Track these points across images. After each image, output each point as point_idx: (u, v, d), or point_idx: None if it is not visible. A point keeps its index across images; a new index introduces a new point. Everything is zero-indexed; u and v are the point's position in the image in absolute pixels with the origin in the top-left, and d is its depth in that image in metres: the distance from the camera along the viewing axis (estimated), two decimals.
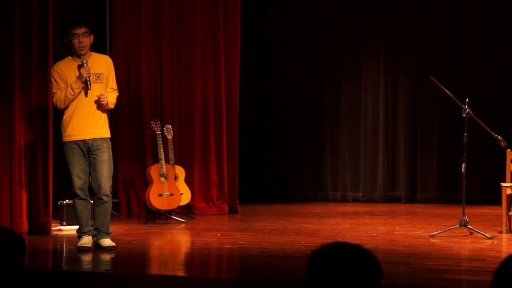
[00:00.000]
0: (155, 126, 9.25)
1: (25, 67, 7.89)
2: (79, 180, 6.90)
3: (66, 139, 6.92)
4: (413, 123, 11.47)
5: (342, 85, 11.85)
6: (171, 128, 9.43)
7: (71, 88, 6.83)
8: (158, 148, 9.16)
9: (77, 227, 7.08)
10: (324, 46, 11.90)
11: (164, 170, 9.13)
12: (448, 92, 7.83)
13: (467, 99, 7.72)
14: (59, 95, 6.88)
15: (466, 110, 7.62)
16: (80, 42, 6.83)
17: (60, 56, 9.77)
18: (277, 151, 12.13)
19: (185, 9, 10.09)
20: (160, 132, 9.20)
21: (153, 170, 9.15)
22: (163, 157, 9.13)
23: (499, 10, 11.08)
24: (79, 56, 6.90)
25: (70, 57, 6.98)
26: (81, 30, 6.84)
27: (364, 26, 11.69)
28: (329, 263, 2.44)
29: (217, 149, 10.12)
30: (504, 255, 2.57)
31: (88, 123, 6.90)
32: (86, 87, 6.86)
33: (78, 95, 6.88)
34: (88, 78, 6.84)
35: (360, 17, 11.71)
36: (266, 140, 12.21)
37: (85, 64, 6.85)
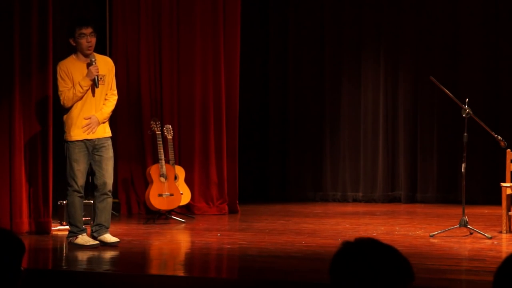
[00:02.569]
0: (155, 126, 9.25)
1: (25, 67, 7.89)
2: (82, 177, 6.99)
3: (73, 138, 6.98)
4: (413, 123, 11.47)
5: (342, 85, 11.84)
6: (171, 128, 9.43)
7: (80, 85, 6.91)
8: (158, 148, 9.16)
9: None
10: (324, 46, 11.90)
11: (164, 170, 9.13)
12: (448, 92, 7.83)
13: (467, 99, 7.72)
14: (67, 93, 6.93)
15: (466, 110, 7.62)
16: (88, 42, 6.95)
17: (60, 56, 9.77)
18: (277, 151, 12.13)
19: (185, 9, 10.09)
20: (160, 132, 9.20)
21: (153, 170, 9.15)
22: (163, 157, 9.13)
23: (499, 10, 11.08)
24: (84, 55, 7.00)
25: (74, 56, 7.04)
26: (88, 30, 6.95)
27: (364, 26, 11.68)
28: (357, 260, 2.37)
29: (217, 149, 10.12)
30: (504, 255, 2.57)
31: None
32: (94, 85, 6.98)
33: (86, 93, 6.94)
34: (97, 77, 6.96)
35: (360, 17, 11.71)
36: (266, 140, 12.21)
37: (94, 63, 6.95)
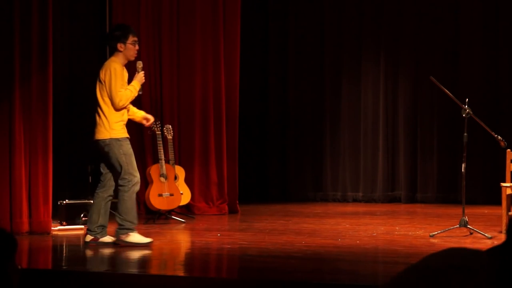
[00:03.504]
0: (155, 126, 9.25)
1: (25, 67, 7.89)
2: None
3: (124, 135, 7.16)
4: (413, 123, 11.47)
5: (342, 85, 11.85)
6: (171, 128, 9.44)
7: (135, 89, 7.15)
8: (158, 148, 9.16)
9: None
10: (324, 46, 11.90)
11: (164, 170, 9.13)
12: (448, 92, 7.83)
13: (467, 99, 7.72)
14: (125, 93, 7.08)
15: (466, 110, 7.62)
16: (137, 50, 7.22)
17: (60, 56, 9.78)
18: (277, 151, 12.13)
19: (185, 9, 10.09)
20: (160, 132, 9.20)
21: (153, 170, 9.15)
22: (163, 157, 9.13)
23: (499, 10, 11.09)
24: (128, 61, 7.20)
25: (116, 59, 7.07)
26: (137, 39, 7.24)
27: (364, 26, 11.69)
28: None
29: (217, 149, 10.12)
30: None
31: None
32: (140, 90, 7.24)
33: None
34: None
35: (360, 17, 11.71)
36: (266, 140, 12.21)
37: (141, 69, 7.26)
